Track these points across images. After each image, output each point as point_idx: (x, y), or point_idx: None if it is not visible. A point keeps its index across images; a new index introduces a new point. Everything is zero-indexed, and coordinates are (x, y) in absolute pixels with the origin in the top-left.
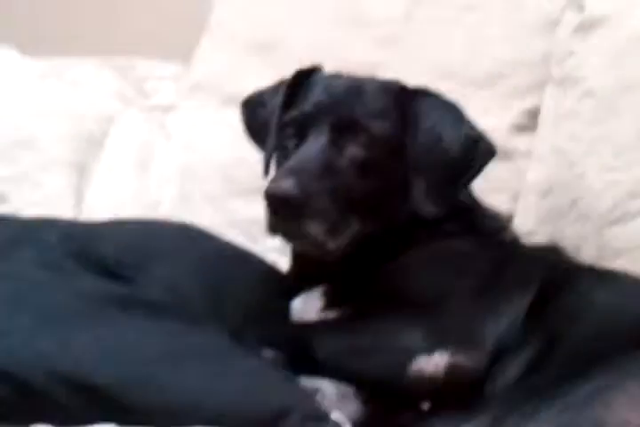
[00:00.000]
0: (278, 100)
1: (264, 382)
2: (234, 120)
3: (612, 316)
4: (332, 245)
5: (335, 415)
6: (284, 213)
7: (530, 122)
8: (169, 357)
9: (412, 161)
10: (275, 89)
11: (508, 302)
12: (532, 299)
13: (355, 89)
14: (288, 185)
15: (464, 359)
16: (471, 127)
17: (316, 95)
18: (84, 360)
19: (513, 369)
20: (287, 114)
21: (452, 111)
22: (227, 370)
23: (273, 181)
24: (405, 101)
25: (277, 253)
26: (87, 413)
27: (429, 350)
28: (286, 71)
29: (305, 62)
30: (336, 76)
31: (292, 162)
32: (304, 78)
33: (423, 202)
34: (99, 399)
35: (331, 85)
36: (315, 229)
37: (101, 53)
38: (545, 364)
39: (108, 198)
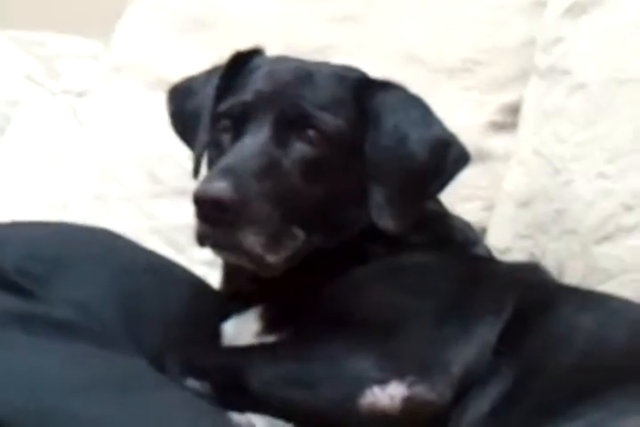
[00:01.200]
0: (212, 87)
1: (187, 419)
2: (160, 108)
3: (598, 344)
4: (271, 259)
5: None
6: (215, 219)
7: (509, 119)
8: (75, 386)
9: (371, 166)
10: (208, 74)
11: (478, 326)
12: (506, 323)
13: (303, 76)
14: (221, 187)
15: (424, 391)
16: (441, 129)
17: (256, 82)
18: None
19: (482, 403)
20: (222, 104)
21: (420, 109)
22: (143, 403)
23: (204, 182)
24: (364, 94)
25: (207, 267)
26: None
27: (383, 379)
28: (223, 52)
29: (245, 43)
30: (281, 60)
31: (227, 160)
32: (243, 62)
33: (382, 215)
34: None
35: (275, 71)
36: (252, 239)
37: (4, 26)
38: (520, 398)
39: (8, 196)
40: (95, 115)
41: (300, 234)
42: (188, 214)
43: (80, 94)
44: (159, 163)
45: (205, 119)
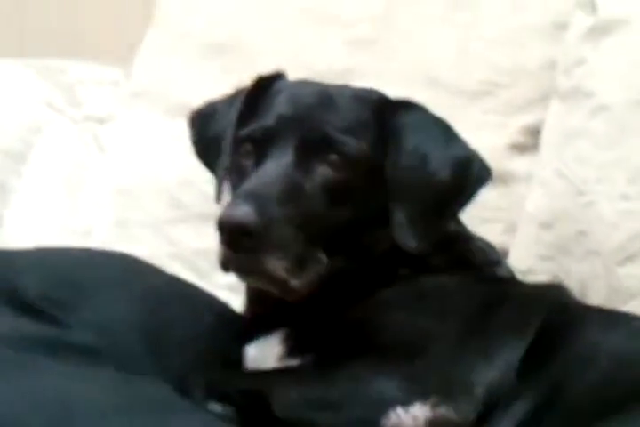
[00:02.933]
0: (234, 111)
1: None
2: (181, 133)
3: (623, 366)
4: (295, 283)
5: None
6: (239, 245)
7: (530, 141)
8: (102, 410)
9: (393, 186)
10: (230, 99)
11: (501, 347)
12: (530, 344)
13: (325, 99)
14: (245, 212)
15: (448, 412)
16: (462, 147)
17: (279, 106)
18: (4, 415)
19: (506, 425)
20: (244, 128)
21: (440, 128)
22: None
23: (227, 207)
24: (385, 115)
25: (229, 291)
26: None
27: (407, 401)
28: (243, 77)
29: (266, 67)
30: (303, 84)
31: (250, 185)
32: (265, 86)
33: (404, 235)
34: None
35: (297, 95)
36: (276, 264)
37: (26, 54)
38: (543, 419)
39: (31, 223)
40: (116, 141)
41: (323, 258)
42: (209, 239)
43: (101, 121)
44: (180, 188)
45: (227, 144)
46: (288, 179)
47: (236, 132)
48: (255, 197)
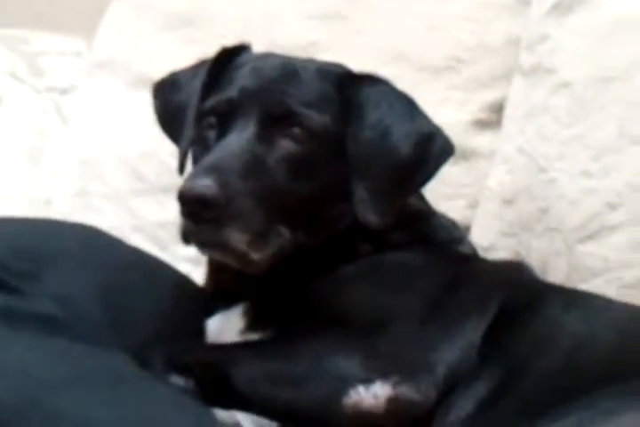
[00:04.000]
0: (197, 83)
1: (170, 416)
2: (143, 105)
3: (583, 344)
4: (256, 256)
5: None
6: (200, 217)
7: (493, 117)
8: (59, 381)
9: (354, 160)
10: (193, 70)
11: (463, 325)
12: (491, 322)
13: (289, 73)
14: (207, 184)
15: (409, 391)
16: (425, 122)
17: (242, 79)
18: None
19: (467, 403)
20: (208, 100)
21: (404, 102)
22: (126, 400)
23: (189, 179)
24: (348, 89)
25: (190, 264)
26: None
27: (367, 379)
28: (207, 49)
29: (230, 39)
30: (267, 57)
31: (213, 157)
32: (229, 58)
33: (365, 210)
34: None
35: (260, 67)
36: (237, 237)
37: None
38: (505, 398)
39: None
40: (79, 112)
41: (285, 231)
42: (171, 211)
43: (64, 91)
44: (142, 160)
45: (190, 116)
46: (250, 151)
47: (199, 103)
48: (217, 170)
